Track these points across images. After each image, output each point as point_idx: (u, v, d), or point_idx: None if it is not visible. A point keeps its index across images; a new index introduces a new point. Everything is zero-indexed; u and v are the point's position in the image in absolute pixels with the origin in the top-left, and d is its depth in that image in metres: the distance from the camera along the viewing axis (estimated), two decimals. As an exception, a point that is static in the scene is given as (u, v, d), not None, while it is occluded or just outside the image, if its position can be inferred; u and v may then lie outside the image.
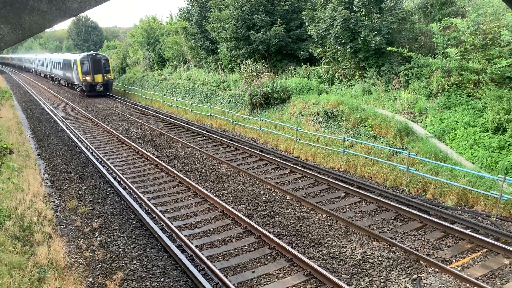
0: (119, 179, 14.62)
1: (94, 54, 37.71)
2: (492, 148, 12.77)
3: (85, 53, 38.69)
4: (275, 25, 25.23)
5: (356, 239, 10.06)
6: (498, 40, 14.83)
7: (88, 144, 19.75)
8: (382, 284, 8.21)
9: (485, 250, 9.36)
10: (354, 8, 19.51)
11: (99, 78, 37.78)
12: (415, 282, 8.23)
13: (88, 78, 37.15)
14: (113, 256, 9.51)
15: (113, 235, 10.56)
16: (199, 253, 9.16)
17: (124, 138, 20.56)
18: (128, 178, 14.73)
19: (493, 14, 15.71)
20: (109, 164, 16.19)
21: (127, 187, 13.85)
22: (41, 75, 64.43)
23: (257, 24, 25.83)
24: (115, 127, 24.25)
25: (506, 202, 10.86)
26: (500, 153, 12.55)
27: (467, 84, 15.30)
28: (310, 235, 10.34)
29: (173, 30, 42.60)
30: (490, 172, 12.14)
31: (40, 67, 62.34)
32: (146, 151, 18.33)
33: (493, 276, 8.40)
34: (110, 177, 14.61)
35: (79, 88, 39.65)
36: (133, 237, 10.47)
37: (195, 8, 32.83)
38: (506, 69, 14.04)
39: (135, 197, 12.97)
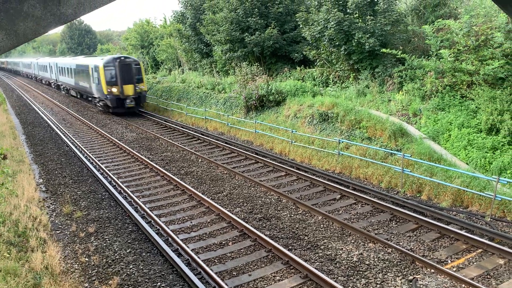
0: (114, 183, 14.57)
1: (122, 58, 28.08)
2: (486, 148, 12.86)
3: (110, 56, 29.22)
4: (270, 27, 25.31)
5: (352, 241, 10.09)
6: (490, 42, 14.95)
7: (83, 148, 19.67)
8: (378, 285, 8.24)
9: (480, 250, 9.42)
10: (348, 11, 19.62)
11: (129, 89, 27.77)
12: (411, 283, 8.27)
13: (114, 89, 27.38)
14: (109, 261, 9.47)
15: (109, 240, 10.52)
16: (196, 257, 9.14)
17: (119, 142, 20.50)
18: (123, 182, 14.69)
19: (486, 16, 15.85)
20: (104, 168, 16.13)
21: (122, 191, 13.81)
22: (43, 82, 56.51)
23: (251, 26, 25.90)
24: (110, 131, 24.18)
25: (500, 203, 10.93)
26: (494, 153, 12.65)
27: (461, 85, 15.42)
28: (306, 238, 10.35)
29: (167, 33, 42.61)
30: (484, 172, 12.23)
31: (42, 73, 54.05)
32: (141, 154, 18.29)
33: (488, 276, 8.45)
34: (105, 182, 14.56)
35: (100, 103, 29.90)
36: (129, 241, 10.43)
37: (189, 11, 32.86)
38: (499, 70, 14.16)
39: (131, 201, 12.93)
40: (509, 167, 12.08)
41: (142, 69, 29.62)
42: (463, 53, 15.59)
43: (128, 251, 9.93)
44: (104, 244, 10.29)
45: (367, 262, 9.07)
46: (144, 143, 20.95)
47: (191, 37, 33.56)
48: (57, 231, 11.07)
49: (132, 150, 18.70)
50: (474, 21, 15.63)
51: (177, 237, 10.31)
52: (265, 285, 8.38)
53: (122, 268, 9.18)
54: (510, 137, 12.92)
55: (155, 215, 11.71)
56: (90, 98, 33.26)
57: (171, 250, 9.56)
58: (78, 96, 37.52)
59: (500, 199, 10.84)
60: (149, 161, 16.83)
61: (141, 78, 28.74)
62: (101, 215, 12.11)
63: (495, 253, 9.19)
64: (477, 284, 7.93)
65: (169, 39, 41.04)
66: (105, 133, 22.79)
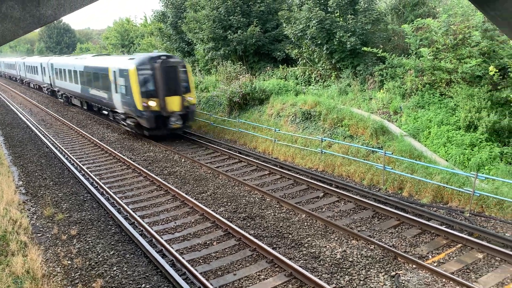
0: (96, 185, 14.41)
1: (164, 57, 19.82)
2: (464, 145, 13.14)
3: (145, 55, 20.61)
4: (252, 25, 25.34)
5: (336, 238, 10.20)
6: (468, 40, 15.26)
7: (63, 149, 19.37)
8: (361, 282, 8.35)
9: (459, 245, 9.63)
10: (329, 9, 19.77)
11: (175, 103, 19.64)
12: (393, 279, 8.41)
13: (153, 103, 19.14)
14: (92, 263, 9.38)
15: (92, 242, 10.40)
16: (180, 258, 9.12)
17: (100, 143, 20.25)
18: (106, 183, 14.53)
19: (463, 15, 16.16)
20: (86, 170, 15.93)
21: (104, 192, 13.66)
22: (31, 86, 48.77)
23: (233, 25, 25.88)
24: (91, 131, 23.86)
25: (479, 198, 11.19)
26: (472, 150, 12.94)
27: (440, 83, 15.70)
28: (290, 236, 10.42)
29: (148, 32, 42.27)
30: (463, 169, 12.49)
31: (30, 75, 45.85)
32: (123, 155, 18.11)
33: (467, 271, 8.66)
34: (87, 183, 14.38)
35: (129, 121, 21.12)
36: (112, 243, 10.34)
37: (170, 9, 32.65)
38: (476, 69, 14.46)
39: (113, 202, 12.80)
40: (487, 163, 12.38)
41: (190, 73, 21.18)
42: (441, 52, 15.87)
43: (111, 253, 9.84)
44: (87, 247, 10.18)
45: (350, 259, 9.19)
46: (126, 143, 20.74)
47: (172, 36, 33.35)
48: (38, 234, 10.89)
49: (114, 151, 18.51)
50: (452, 20, 15.92)
51: (161, 238, 10.26)
52: (250, 284, 8.41)
53: (105, 270, 9.09)
54: (487, 134, 13.23)
55: (139, 216, 11.63)
56: (106, 112, 24.78)
57: (155, 251, 9.51)
58: (85, 107, 29.69)
59: (478, 194, 11.10)
60: (132, 162, 16.69)
61: (189, 87, 20.46)
62: (83, 217, 11.96)
63: (474, 248, 9.41)
64: (457, 279, 8.12)
65: (150, 38, 40.71)
66: (86, 134, 22.49)
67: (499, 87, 13.96)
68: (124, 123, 21.89)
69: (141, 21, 51.06)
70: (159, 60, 19.39)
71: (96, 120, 27.28)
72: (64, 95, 33.76)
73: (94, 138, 21.27)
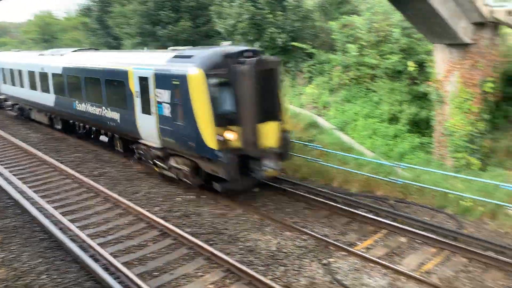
0: (20, 189, 13.53)
1: (251, 54, 11.15)
2: (388, 137, 13.99)
3: (215, 50, 11.46)
4: (182, 20, 24.97)
5: (270, 231, 10.44)
6: (389, 37, 16.19)
7: (-20, 152, 17.95)
8: (296, 271, 8.65)
9: (385, 231, 10.27)
10: (259, 6, 20.02)
11: (270, 134, 11.29)
12: (325, 267, 8.79)
13: (231, 136, 10.91)
14: (18, 273, 8.82)
15: (17, 250, 9.77)
16: (114, 261, 8.85)
17: (23, 144, 18.99)
18: (31, 187, 13.67)
19: (384, 13, 17.10)
20: (7, 173, 14.89)
21: (29, 197, 12.87)
22: None
23: (163, 20, 25.35)
24: (11, 131, 22.25)
25: (402, 186, 11.99)
26: (396, 141, 13.81)
27: (365, 78, 16.54)
28: (227, 231, 10.50)
29: (72, 26, 40.24)
30: (387, 158, 13.30)
31: None
32: (49, 156, 17.13)
33: (392, 254, 9.28)
34: (9, 188, 13.46)
35: (174, 163, 12.78)
36: (39, 250, 9.79)
37: (96, 4, 31.32)
38: (397, 64, 15.41)
39: (39, 207, 12.11)
40: (408, 153, 13.29)
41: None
42: (366, 48, 16.70)
43: (39, 260, 9.32)
44: (12, 256, 9.55)
45: (284, 250, 9.46)
46: (51, 144, 19.63)
47: (97, 31, 32.03)
48: (-46, 246, 10.05)
49: (38, 153, 17.45)
50: (374, 18, 16.80)
51: (93, 241, 9.89)
52: (188, 282, 8.39)
53: (33, 279, 8.61)
54: (409, 126, 14.19)
55: (68, 220, 11.10)
56: (106, 139, 16.92)
57: (87, 255, 9.15)
58: (59, 127, 20.84)
59: (401, 182, 11.89)
60: (58, 164, 15.84)
61: (281, 103, 12.01)
62: (6, 224, 11.19)
63: (398, 233, 10.09)
64: (383, 262, 8.70)
65: (74, 33, 38.78)
66: (6, 135, 20.96)
67: (417, 82, 14.99)
68: (163, 166, 13.44)
69: (65, 14, 48.43)
70: (246, 60, 10.77)
71: (16, 119, 25.49)
72: (17, 106, 24.91)
73: (15, 140, 19.88)
